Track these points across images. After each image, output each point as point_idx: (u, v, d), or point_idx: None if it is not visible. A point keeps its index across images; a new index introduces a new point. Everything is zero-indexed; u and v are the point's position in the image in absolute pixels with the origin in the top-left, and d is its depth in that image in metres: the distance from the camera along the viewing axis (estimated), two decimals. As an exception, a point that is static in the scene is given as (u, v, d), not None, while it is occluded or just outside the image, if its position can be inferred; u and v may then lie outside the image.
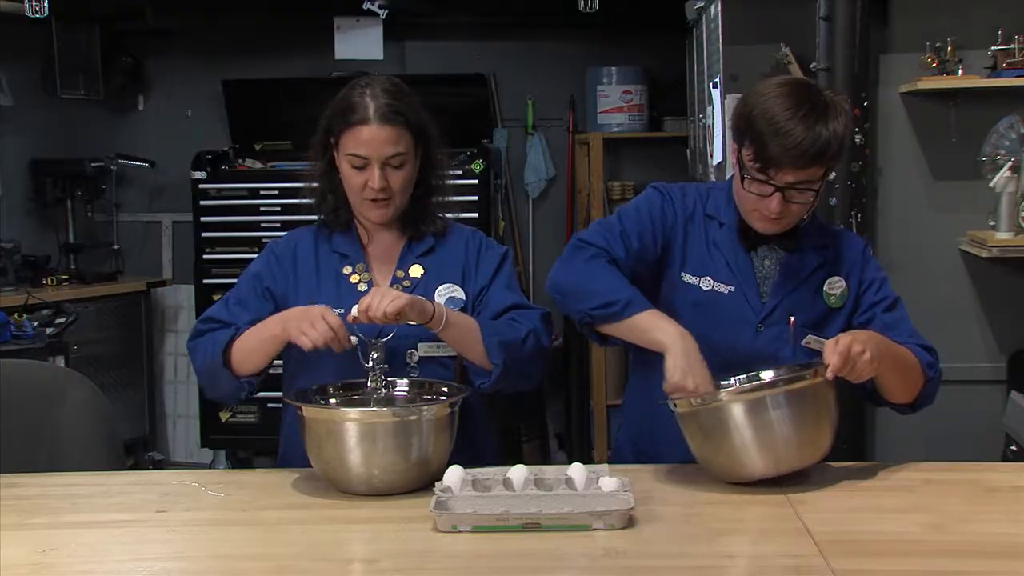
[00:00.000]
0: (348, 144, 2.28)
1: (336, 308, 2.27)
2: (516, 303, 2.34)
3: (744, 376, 2.13)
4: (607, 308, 2.18)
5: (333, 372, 2.25)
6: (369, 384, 2.18)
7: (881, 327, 2.24)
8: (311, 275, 2.36)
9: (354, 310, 2.15)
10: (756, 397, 2.02)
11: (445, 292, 2.34)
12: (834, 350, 2.02)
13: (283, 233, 2.49)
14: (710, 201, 2.32)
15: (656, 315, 2.18)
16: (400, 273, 2.37)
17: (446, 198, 2.43)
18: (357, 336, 2.17)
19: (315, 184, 2.41)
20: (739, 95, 2.44)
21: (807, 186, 2.15)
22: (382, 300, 2.12)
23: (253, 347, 2.24)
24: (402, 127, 2.28)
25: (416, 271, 2.37)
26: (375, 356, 2.16)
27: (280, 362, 2.35)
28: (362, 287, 2.34)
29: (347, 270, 2.37)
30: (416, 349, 2.30)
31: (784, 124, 2.09)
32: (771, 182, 2.14)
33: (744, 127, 2.16)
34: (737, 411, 2.01)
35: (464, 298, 2.35)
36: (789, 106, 2.10)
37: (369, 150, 2.27)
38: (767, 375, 2.16)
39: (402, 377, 2.25)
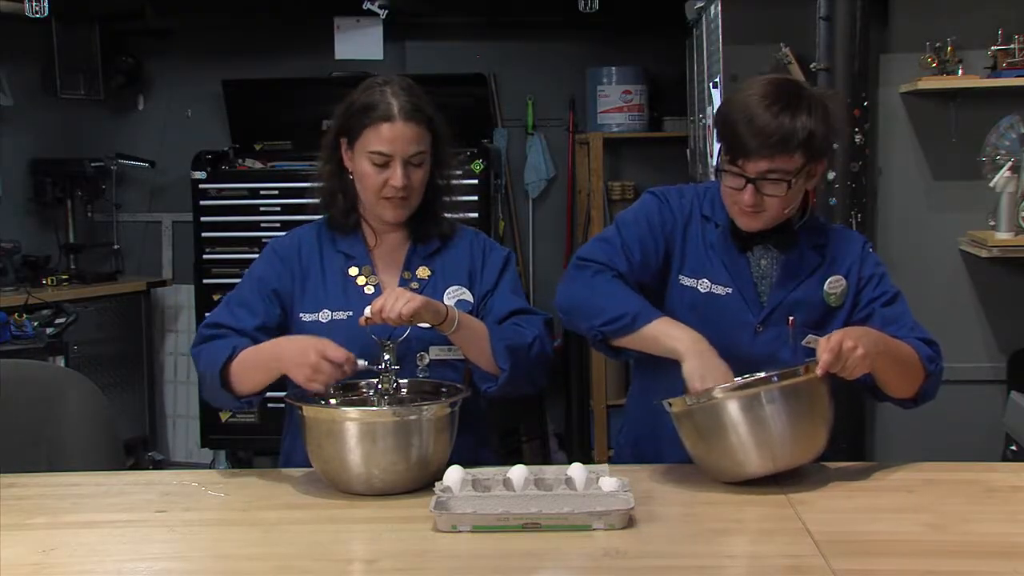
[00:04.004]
0: (370, 141, 2.27)
1: (343, 310, 2.26)
2: (520, 308, 2.34)
3: (740, 378, 2.13)
4: (617, 322, 2.18)
5: None
6: (380, 385, 2.17)
7: (881, 322, 2.23)
8: (317, 277, 2.34)
9: (367, 311, 2.14)
10: (749, 394, 2.02)
11: (454, 294, 2.34)
12: (825, 347, 2.02)
13: (283, 233, 2.47)
14: (706, 201, 2.32)
15: (667, 323, 2.18)
16: (407, 275, 2.36)
17: (453, 198, 2.42)
18: (364, 361, 2.15)
19: (322, 184, 2.38)
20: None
21: (779, 176, 2.14)
22: (396, 301, 2.11)
23: (250, 371, 2.20)
24: (423, 126, 2.29)
25: (423, 273, 2.36)
26: (387, 357, 2.16)
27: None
28: (369, 290, 2.32)
29: (353, 271, 2.35)
30: (427, 352, 2.29)
31: (751, 112, 2.10)
32: (742, 173, 2.14)
33: (720, 121, 2.17)
34: (731, 408, 2.02)
35: (472, 301, 2.35)
36: (763, 97, 2.11)
37: (393, 147, 2.26)
38: (761, 375, 2.16)
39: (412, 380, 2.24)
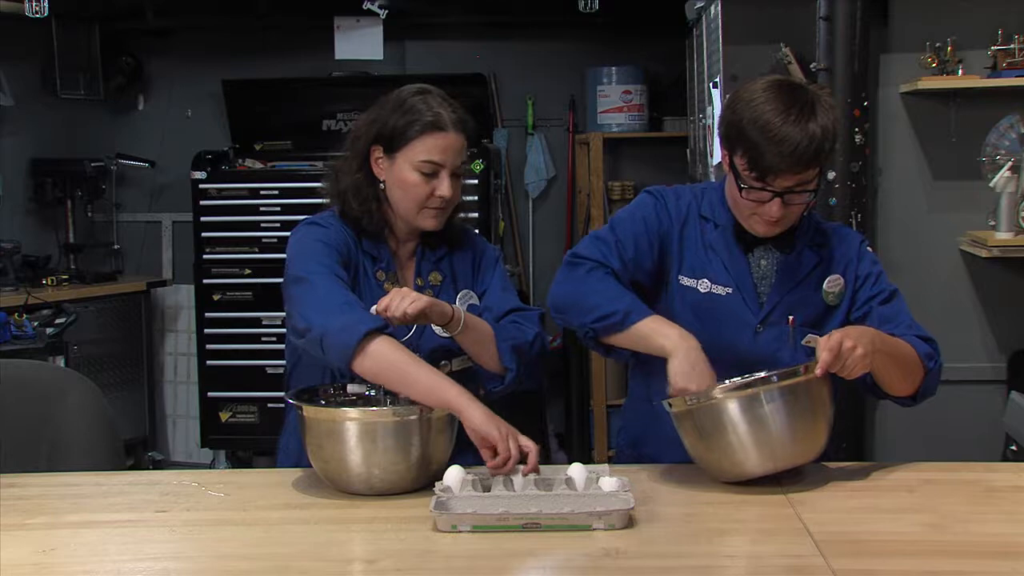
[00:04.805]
0: (420, 151, 2.24)
1: None
2: (515, 306, 2.35)
3: (739, 378, 2.13)
4: (607, 319, 2.18)
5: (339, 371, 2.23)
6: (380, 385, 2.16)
7: (878, 320, 2.23)
8: (354, 275, 2.29)
9: (372, 310, 2.13)
10: (749, 393, 2.02)
11: (465, 298, 2.33)
12: (825, 346, 2.02)
13: (284, 233, 2.43)
14: (704, 202, 2.31)
15: (658, 321, 2.17)
16: (420, 281, 2.35)
17: (462, 198, 2.42)
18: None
19: (352, 194, 2.31)
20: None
21: (804, 187, 2.15)
22: (402, 301, 2.11)
23: (406, 383, 2.09)
24: (465, 137, 2.29)
25: (435, 279, 2.36)
26: None
27: (283, 362, 2.34)
28: None
29: (380, 276, 2.33)
30: (451, 363, 2.28)
31: (778, 130, 2.07)
32: (769, 188, 2.13)
33: (735, 136, 2.14)
34: (731, 408, 2.02)
35: (479, 303, 2.35)
36: (779, 111, 2.09)
37: (445, 157, 2.25)
38: (761, 375, 2.16)
39: None
